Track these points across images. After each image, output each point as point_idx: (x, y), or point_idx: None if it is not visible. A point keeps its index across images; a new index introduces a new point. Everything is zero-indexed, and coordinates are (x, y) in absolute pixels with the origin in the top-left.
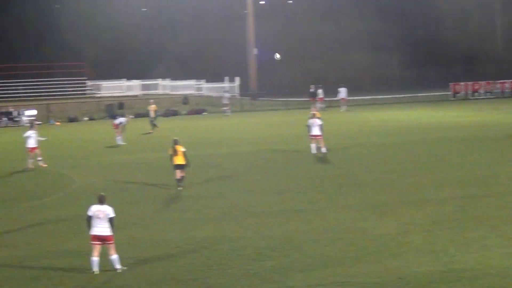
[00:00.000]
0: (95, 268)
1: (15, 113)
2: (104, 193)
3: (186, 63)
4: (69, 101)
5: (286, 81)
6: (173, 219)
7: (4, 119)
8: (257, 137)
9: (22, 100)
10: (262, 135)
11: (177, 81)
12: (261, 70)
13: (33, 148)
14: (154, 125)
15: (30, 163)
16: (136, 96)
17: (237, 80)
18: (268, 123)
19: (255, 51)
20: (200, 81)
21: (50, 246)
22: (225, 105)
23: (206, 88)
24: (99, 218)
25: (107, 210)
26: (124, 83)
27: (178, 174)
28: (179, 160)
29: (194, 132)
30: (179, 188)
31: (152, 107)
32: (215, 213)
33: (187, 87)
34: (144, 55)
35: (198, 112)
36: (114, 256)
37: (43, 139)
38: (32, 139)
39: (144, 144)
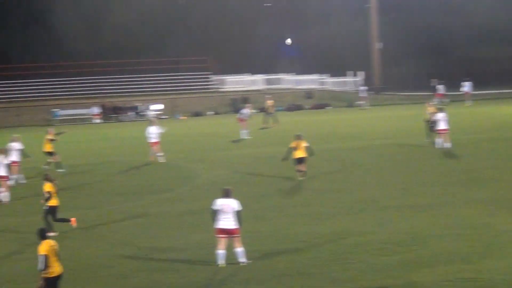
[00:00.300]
0: (221, 261)
1: (141, 108)
2: (229, 186)
3: (309, 57)
4: (194, 95)
5: (410, 75)
6: (297, 213)
7: (131, 113)
8: (380, 131)
9: (148, 95)
10: (385, 129)
11: (300, 75)
12: (384, 64)
13: (155, 143)
14: (272, 120)
15: (152, 157)
16: (259, 90)
17: (361, 75)
18: (391, 117)
19: (379, 45)
20: (323, 76)
21: (177, 238)
22: (362, 98)
23: (329, 82)
24: (224, 211)
25: (233, 204)
26: (248, 77)
27: (300, 167)
28: (300, 154)
29: (318, 126)
30: (300, 179)
31: (270, 103)
32: (339, 207)
33: (311, 81)
34: (267, 50)
35: (322, 106)
36: (240, 249)
37: (162, 131)
38: (153, 134)
39: (268, 138)
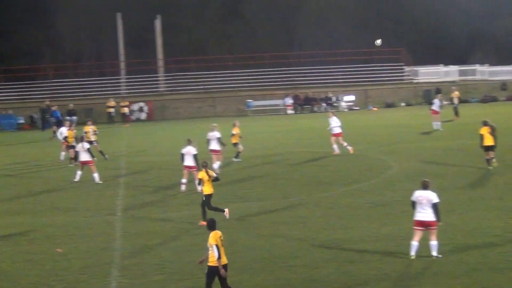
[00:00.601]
0: (413, 253)
1: (334, 99)
2: (423, 178)
3: (504, 48)
4: (386, 86)
5: None
6: (490, 207)
7: (324, 104)
8: None
9: (341, 86)
10: None
11: (495, 66)
12: None
13: (337, 134)
14: (454, 112)
15: (335, 149)
16: (453, 82)
17: None
18: None
19: None
20: None
21: (367, 230)
22: None
23: None
24: (421, 203)
25: (430, 196)
26: (441, 68)
27: (489, 155)
28: (488, 141)
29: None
30: (489, 168)
31: (455, 94)
32: None
33: (506, 72)
34: (461, 41)
35: None
36: (434, 242)
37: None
38: (335, 125)
39: (460, 130)
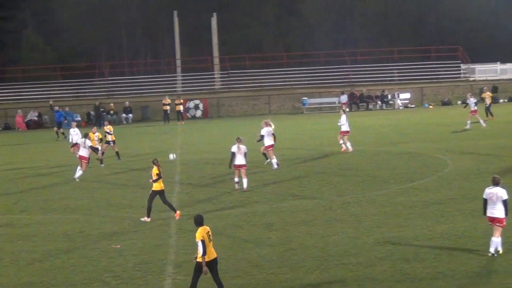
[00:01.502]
0: (492, 250)
1: (389, 96)
2: (472, 176)
3: None
4: (443, 84)
5: None
6: None
7: (379, 102)
8: None
9: (396, 84)
10: None
11: None
12: None
13: (344, 132)
14: (489, 113)
15: (343, 146)
16: (510, 79)
17: None
18: None
19: None
20: None
21: (421, 228)
22: None
23: None
24: (492, 200)
25: (500, 192)
26: (498, 66)
27: None
28: None
29: None
30: None
31: (487, 94)
32: None
33: None
34: None
35: None
36: (497, 239)
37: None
38: (343, 123)
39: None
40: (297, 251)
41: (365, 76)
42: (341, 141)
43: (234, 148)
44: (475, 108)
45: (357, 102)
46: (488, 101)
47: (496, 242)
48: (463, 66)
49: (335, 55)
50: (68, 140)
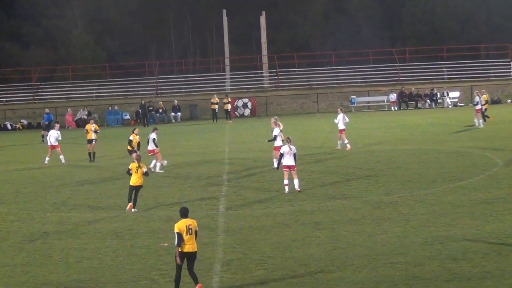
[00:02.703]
0: None
1: (438, 95)
2: None
3: None
4: (493, 83)
5: None
6: None
7: (428, 101)
8: None
9: (446, 82)
10: None
11: None
12: None
13: (341, 130)
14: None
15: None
16: None
17: None
18: None
19: None
20: None
21: (470, 227)
22: None
23: None
24: None
25: None
26: None
27: None
28: None
29: None
30: None
31: (483, 97)
32: None
33: None
34: None
35: None
36: None
37: (347, 120)
38: (339, 122)
39: None
40: (344, 250)
41: (414, 74)
42: (340, 141)
43: (284, 149)
44: (480, 107)
45: (406, 100)
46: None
47: None
48: None
49: (383, 53)
50: (47, 140)
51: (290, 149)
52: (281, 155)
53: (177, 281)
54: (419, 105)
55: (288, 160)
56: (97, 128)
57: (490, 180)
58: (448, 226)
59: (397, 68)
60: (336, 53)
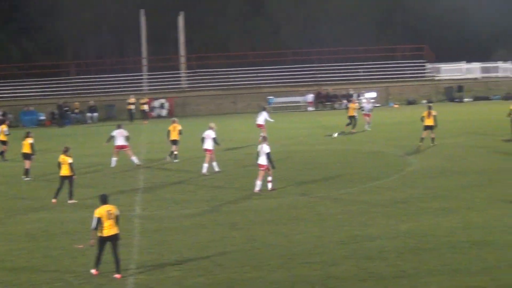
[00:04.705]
0: None
1: (355, 96)
2: (436, 175)
3: None
4: (408, 83)
5: None
6: (509, 205)
7: (344, 101)
8: None
9: (362, 83)
10: None
11: None
12: None
13: (260, 125)
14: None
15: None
16: (475, 79)
17: None
18: None
19: None
20: None
21: (385, 227)
22: None
23: None
24: None
25: None
26: (463, 65)
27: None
28: (429, 122)
29: None
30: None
31: (353, 106)
32: None
33: None
34: (484, 37)
35: None
36: None
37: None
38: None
39: (480, 128)
40: (261, 250)
41: (331, 75)
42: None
43: (259, 147)
44: (369, 112)
45: (323, 101)
46: (355, 113)
47: None
48: (428, 66)
49: (301, 54)
50: None
51: (262, 148)
52: (258, 152)
53: (97, 259)
54: (336, 105)
55: (261, 159)
56: (4, 128)
57: (405, 180)
58: (364, 225)
59: (315, 68)
60: (254, 54)
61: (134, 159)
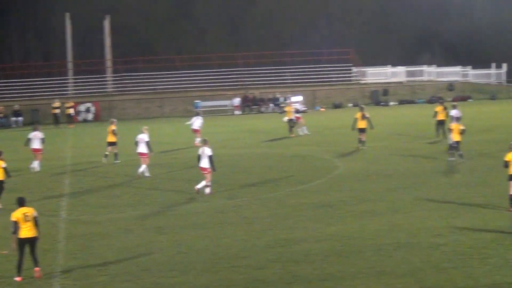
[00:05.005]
0: None
1: (281, 99)
2: (362, 178)
3: (451, 49)
4: (334, 87)
5: None
6: (433, 206)
7: (271, 105)
8: None
9: (289, 87)
10: None
11: (442, 67)
12: None
13: (195, 130)
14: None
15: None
16: (401, 82)
17: (504, 67)
18: None
19: None
20: (466, 68)
21: (311, 230)
22: None
23: (472, 74)
24: None
25: None
26: (388, 69)
27: (361, 136)
28: (362, 124)
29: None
30: (360, 147)
31: (289, 109)
32: (478, 201)
33: (453, 73)
34: (409, 42)
35: (464, 99)
36: None
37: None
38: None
39: (403, 132)
40: (187, 254)
41: (257, 79)
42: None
43: (200, 151)
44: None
45: (249, 105)
46: (290, 116)
47: None
48: (354, 69)
49: (228, 58)
50: None
51: (204, 151)
52: (199, 156)
53: (19, 265)
54: (262, 109)
55: (203, 163)
56: None
57: (332, 183)
58: (290, 229)
59: (241, 72)
60: (181, 57)
61: (36, 164)
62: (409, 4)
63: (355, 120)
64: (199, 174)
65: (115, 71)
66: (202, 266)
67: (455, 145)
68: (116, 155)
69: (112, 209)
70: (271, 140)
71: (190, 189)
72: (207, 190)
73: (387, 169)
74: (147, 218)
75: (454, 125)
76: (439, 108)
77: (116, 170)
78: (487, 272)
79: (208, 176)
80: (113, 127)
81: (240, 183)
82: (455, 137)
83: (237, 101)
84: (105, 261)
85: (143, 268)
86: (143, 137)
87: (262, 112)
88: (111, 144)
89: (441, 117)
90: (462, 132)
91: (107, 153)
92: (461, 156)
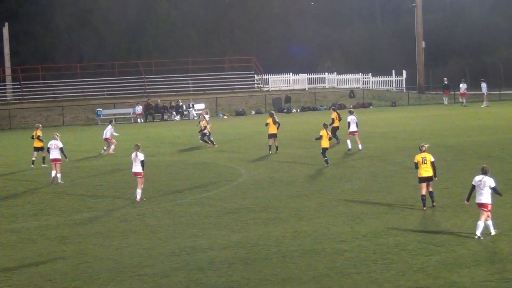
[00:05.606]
0: (478, 233)
1: (184, 107)
2: (266, 185)
3: (352, 57)
4: (237, 95)
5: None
6: (337, 212)
7: (174, 113)
8: (423, 131)
9: (192, 94)
10: (428, 129)
11: (343, 75)
12: (429, 63)
13: (109, 139)
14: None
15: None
16: (303, 89)
17: (404, 74)
18: (433, 117)
19: (423, 44)
20: (366, 75)
21: (216, 237)
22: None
23: (372, 81)
24: (480, 188)
25: (488, 181)
26: (291, 77)
27: (271, 142)
28: (272, 130)
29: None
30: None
31: (203, 123)
32: (381, 207)
33: (354, 81)
34: (311, 49)
35: (365, 106)
36: (490, 222)
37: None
38: (108, 132)
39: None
40: (91, 264)
41: (160, 87)
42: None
43: (132, 155)
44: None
45: (152, 112)
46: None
47: (481, 226)
48: (256, 77)
49: (129, 65)
50: None
51: (137, 156)
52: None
53: None
54: (165, 117)
55: (136, 168)
56: None
57: (236, 190)
58: (195, 236)
59: (143, 80)
60: (81, 65)
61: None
62: (310, 11)
63: (267, 124)
64: (105, 182)
65: (14, 79)
66: (107, 276)
67: (323, 151)
68: (44, 158)
69: (14, 219)
70: (175, 148)
71: (93, 198)
72: (138, 196)
73: (291, 176)
74: (49, 227)
75: (323, 132)
76: (334, 115)
77: (17, 179)
78: (391, 277)
79: (140, 180)
80: (39, 133)
81: (143, 192)
82: (324, 143)
83: (139, 109)
84: (7, 271)
85: (47, 278)
86: (57, 143)
87: (165, 120)
88: (38, 149)
89: (336, 123)
90: (330, 139)
91: (33, 158)
92: (326, 162)
